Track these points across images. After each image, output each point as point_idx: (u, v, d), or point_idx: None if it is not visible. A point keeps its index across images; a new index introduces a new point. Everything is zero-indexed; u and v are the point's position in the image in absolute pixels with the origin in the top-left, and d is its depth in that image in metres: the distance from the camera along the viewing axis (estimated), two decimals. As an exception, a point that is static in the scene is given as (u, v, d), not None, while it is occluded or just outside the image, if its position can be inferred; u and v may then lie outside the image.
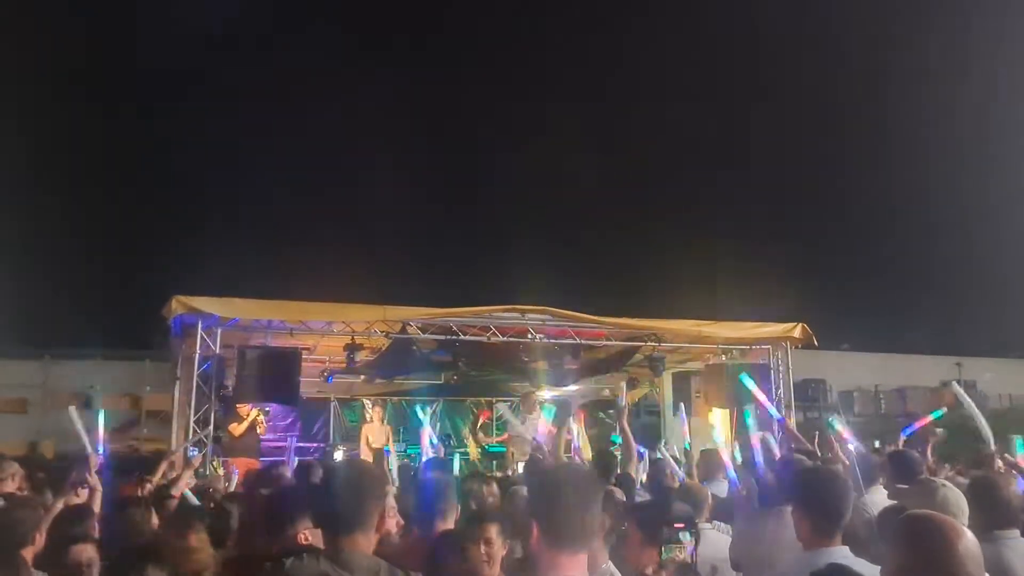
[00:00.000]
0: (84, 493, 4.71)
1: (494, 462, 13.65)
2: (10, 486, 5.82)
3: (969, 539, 2.09)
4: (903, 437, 6.92)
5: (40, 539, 3.59)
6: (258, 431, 10.98)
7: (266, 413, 11.47)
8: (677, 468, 6.93)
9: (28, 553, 3.44)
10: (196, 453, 9.28)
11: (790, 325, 11.50)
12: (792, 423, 7.57)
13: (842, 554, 2.90)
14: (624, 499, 4.93)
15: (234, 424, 10.42)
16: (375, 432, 12.18)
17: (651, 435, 11.80)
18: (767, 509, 3.94)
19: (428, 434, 8.61)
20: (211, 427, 9.75)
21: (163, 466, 6.61)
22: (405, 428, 13.49)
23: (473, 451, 14.18)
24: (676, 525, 2.04)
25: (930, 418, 7.13)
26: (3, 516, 3.64)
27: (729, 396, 11.86)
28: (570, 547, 2.21)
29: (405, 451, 12.59)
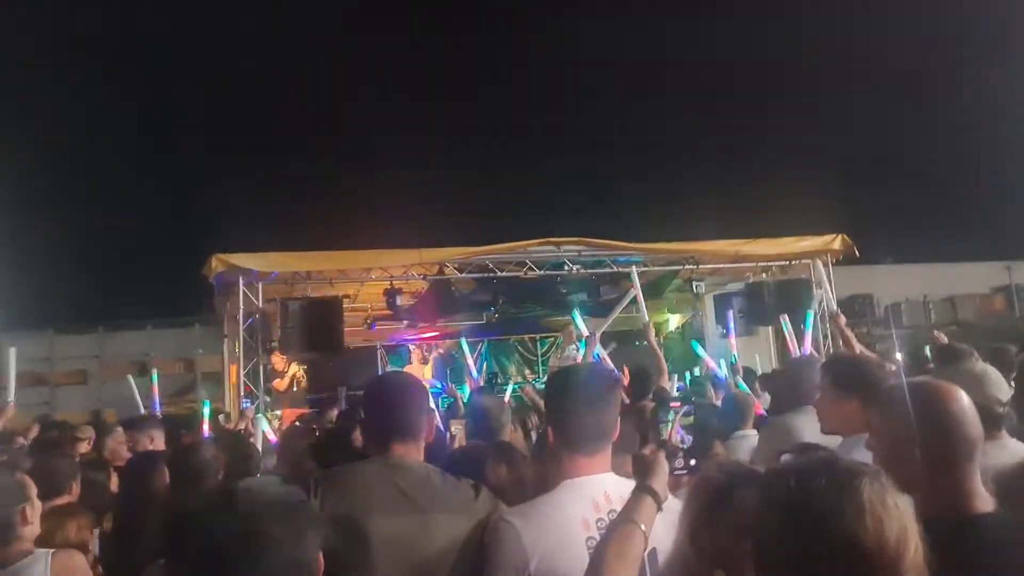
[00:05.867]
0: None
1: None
2: (85, 447, 6.15)
3: (965, 401, 1.96)
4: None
5: (76, 489, 3.77)
6: (295, 388, 11.22)
7: (305, 369, 11.71)
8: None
9: (63, 501, 3.58)
10: (249, 405, 9.57)
11: (829, 237, 11.30)
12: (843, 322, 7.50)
13: None
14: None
15: (276, 380, 10.68)
16: (415, 373, 12.39)
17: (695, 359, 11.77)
18: (800, 407, 3.91)
19: (471, 365, 8.64)
20: (261, 379, 10.00)
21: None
22: (452, 369, 13.66)
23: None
24: (673, 404, 2.02)
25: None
26: (41, 465, 3.79)
27: (770, 314, 11.79)
28: (586, 448, 2.19)
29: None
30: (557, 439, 2.27)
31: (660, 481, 1.96)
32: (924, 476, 1.88)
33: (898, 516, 1.31)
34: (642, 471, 2.00)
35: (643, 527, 1.86)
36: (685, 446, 2.09)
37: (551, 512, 2.11)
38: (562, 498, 2.15)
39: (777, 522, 1.35)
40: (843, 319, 5.46)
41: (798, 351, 6.80)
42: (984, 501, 1.88)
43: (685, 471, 2.05)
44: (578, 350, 12.36)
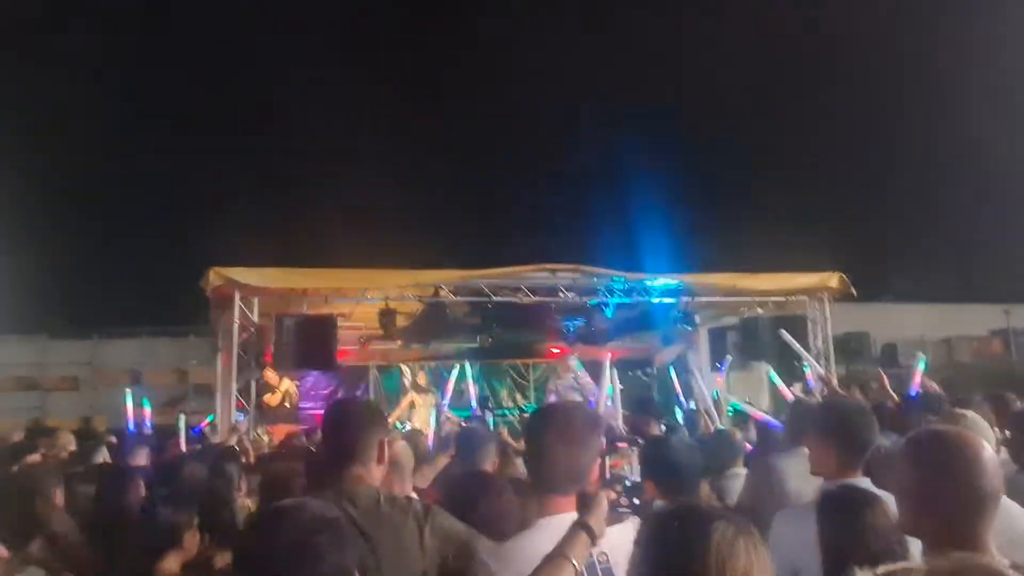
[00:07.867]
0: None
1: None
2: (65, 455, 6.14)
3: (988, 452, 1.97)
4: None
5: (59, 497, 3.70)
6: (287, 404, 11.18)
7: (297, 385, 11.69)
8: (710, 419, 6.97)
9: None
10: (241, 419, 9.53)
11: (826, 275, 11.31)
12: (832, 376, 7.42)
13: (865, 484, 2.89)
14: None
15: (268, 395, 10.66)
16: (420, 397, 12.34)
17: (688, 391, 11.75)
18: (789, 448, 3.91)
19: (472, 392, 8.59)
20: (253, 395, 9.97)
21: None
22: (443, 392, 13.58)
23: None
24: (619, 444, 2.14)
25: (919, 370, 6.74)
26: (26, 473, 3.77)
27: (765, 349, 11.77)
28: (561, 488, 2.22)
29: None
30: (533, 477, 2.29)
31: (597, 518, 2.03)
32: (933, 524, 1.91)
33: (746, 559, 1.43)
34: (583, 507, 2.08)
35: (574, 562, 1.93)
36: (629, 483, 2.18)
37: (526, 551, 2.12)
38: (537, 536, 2.16)
39: (642, 559, 1.52)
40: (834, 380, 5.50)
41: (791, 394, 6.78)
42: (992, 557, 1.83)
43: (629, 509, 2.11)
44: (575, 373, 12.36)
